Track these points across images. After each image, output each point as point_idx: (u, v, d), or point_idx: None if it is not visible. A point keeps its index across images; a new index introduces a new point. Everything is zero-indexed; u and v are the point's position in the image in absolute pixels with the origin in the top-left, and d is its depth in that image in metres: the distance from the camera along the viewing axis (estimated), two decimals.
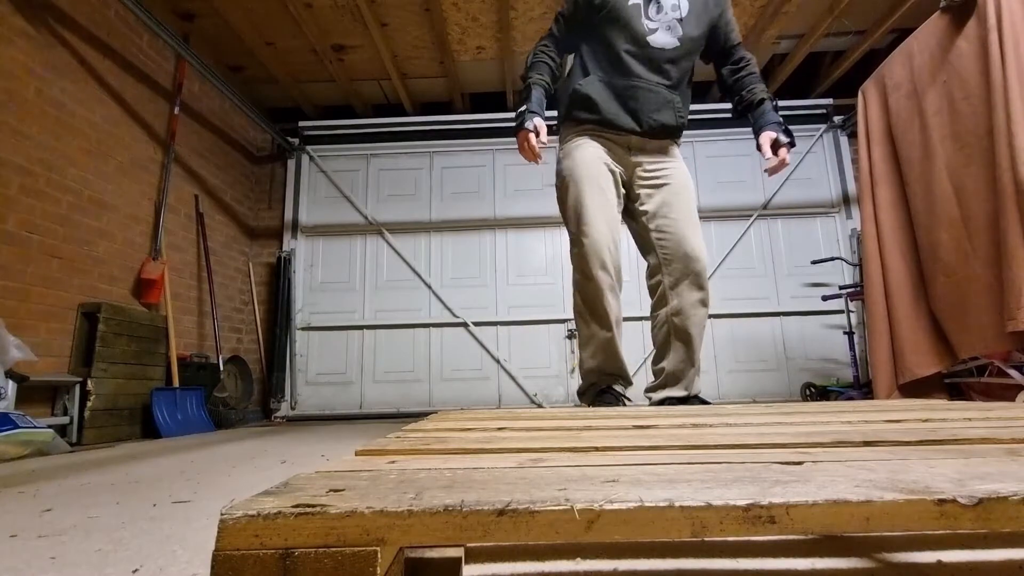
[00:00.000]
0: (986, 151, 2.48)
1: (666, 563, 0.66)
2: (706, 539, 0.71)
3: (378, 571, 0.33)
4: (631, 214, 2.11)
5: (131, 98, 3.65)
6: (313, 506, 0.34)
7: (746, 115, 2.06)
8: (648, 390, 2.08)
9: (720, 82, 2.16)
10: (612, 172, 2.02)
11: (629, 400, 2.06)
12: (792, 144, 1.94)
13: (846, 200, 5.06)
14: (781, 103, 5.62)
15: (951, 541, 0.69)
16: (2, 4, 2.78)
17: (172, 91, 4.08)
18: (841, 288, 4.17)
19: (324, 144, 5.38)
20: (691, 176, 2.10)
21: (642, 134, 2.00)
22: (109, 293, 3.35)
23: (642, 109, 1.96)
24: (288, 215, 5.22)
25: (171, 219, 3.97)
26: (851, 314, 4.22)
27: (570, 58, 2.15)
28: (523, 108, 1.95)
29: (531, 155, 1.92)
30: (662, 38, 1.94)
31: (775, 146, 1.93)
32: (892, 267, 3.08)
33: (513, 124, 1.98)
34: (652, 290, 2.06)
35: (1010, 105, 2.32)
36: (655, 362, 2.05)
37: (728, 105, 5.48)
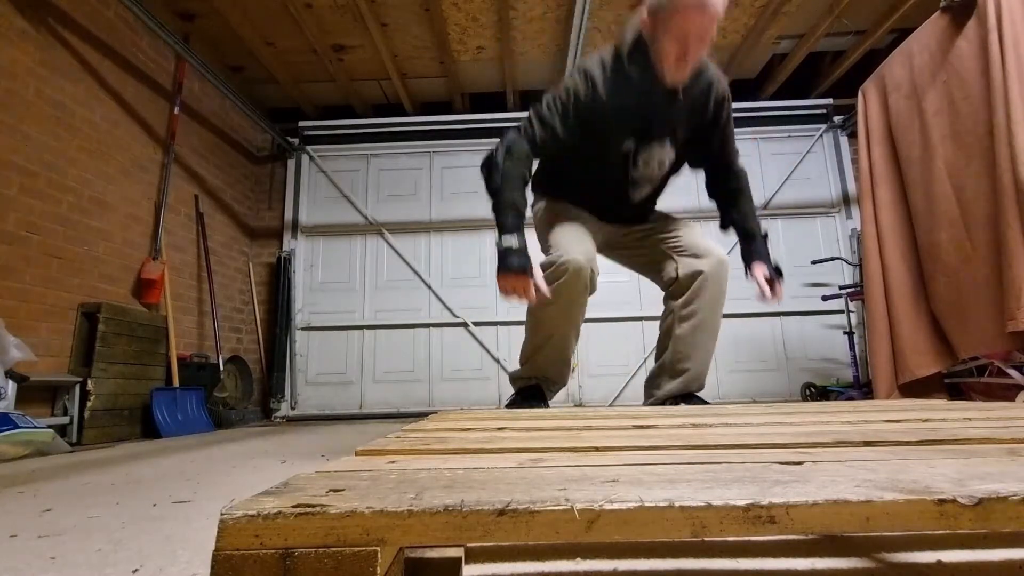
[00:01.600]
0: (986, 151, 2.48)
1: (666, 563, 0.66)
2: (706, 539, 0.71)
3: (378, 571, 0.33)
4: (630, 247, 2.07)
5: (131, 98, 3.65)
6: (313, 506, 0.34)
7: (730, 228, 2.00)
8: (649, 381, 2.04)
9: (711, 187, 2.03)
10: (590, 223, 1.94)
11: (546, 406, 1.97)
12: (781, 277, 1.90)
13: (846, 200, 5.06)
14: (781, 103, 5.62)
15: (951, 541, 0.69)
16: (2, 4, 2.78)
17: (172, 91, 4.07)
18: (841, 288, 4.17)
19: (324, 144, 5.38)
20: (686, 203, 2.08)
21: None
22: (109, 293, 3.35)
23: (616, 218, 1.99)
24: (288, 215, 5.22)
25: (171, 219, 3.97)
26: (851, 314, 4.22)
27: None
28: (516, 244, 1.60)
29: (536, 297, 1.61)
30: (641, 193, 1.91)
31: (769, 282, 1.86)
32: (892, 267, 3.08)
33: (502, 252, 1.61)
34: (667, 285, 2.02)
35: (1010, 105, 2.32)
36: (658, 350, 2.04)
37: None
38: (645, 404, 2.01)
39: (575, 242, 1.79)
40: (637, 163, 1.80)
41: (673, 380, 1.92)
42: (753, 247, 1.92)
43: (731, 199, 1.97)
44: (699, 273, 1.87)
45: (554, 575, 0.64)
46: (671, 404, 1.91)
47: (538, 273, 1.64)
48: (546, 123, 1.71)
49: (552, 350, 1.88)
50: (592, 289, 1.82)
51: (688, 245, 1.93)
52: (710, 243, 1.94)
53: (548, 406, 1.95)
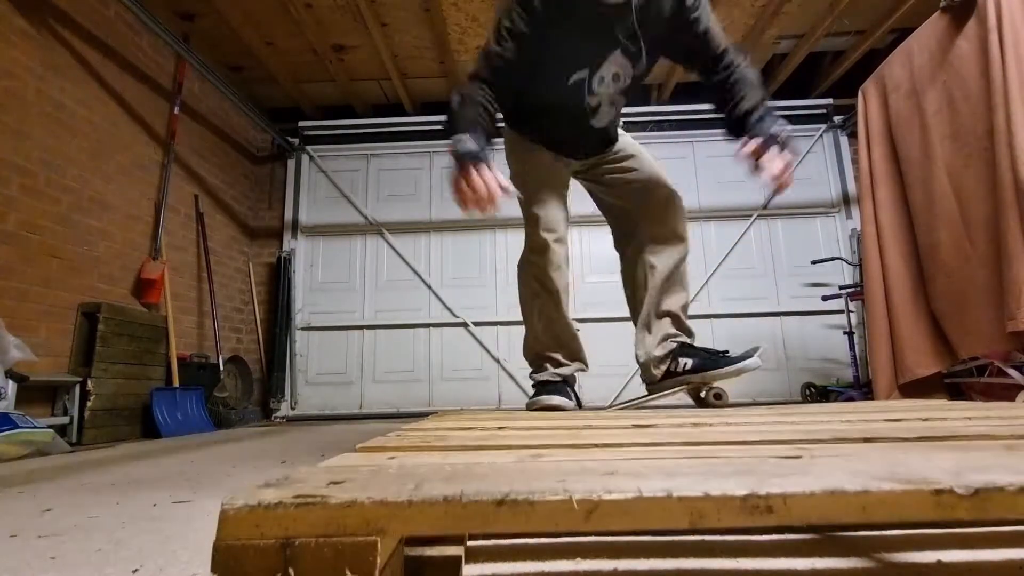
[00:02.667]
0: (986, 151, 2.48)
1: (666, 563, 0.66)
2: (706, 539, 0.72)
3: (378, 560, 0.33)
4: (593, 178, 1.93)
5: (131, 98, 3.65)
6: (313, 496, 0.35)
7: (736, 128, 1.61)
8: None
9: (704, 77, 1.70)
10: (557, 161, 1.83)
11: (580, 387, 1.87)
12: (780, 148, 1.46)
13: (846, 200, 5.06)
14: (781, 103, 5.62)
15: (951, 541, 0.69)
16: (2, 4, 2.78)
17: (172, 91, 4.08)
18: (841, 288, 4.17)
19: (324, 144, 5.38)
20: (662, 162, 1.92)
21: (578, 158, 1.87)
22: (109, 293, 3.35)
23: (581, 150, 1.84)
24: (288, 215, 5.23)
25: (171, 219, 3.97)
26: (851, 314, 4.22)
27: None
28: (464, 140, 1.43)
29: (486, 198, 1.40)
30: (601, 118, 1.74)
31: (760, 151, 1.46)
32: (892, 267, 3.08)
33: (452, 140, 1.47)
34: (622, 239, 1.93)
35: (1010, 105, 2.33)
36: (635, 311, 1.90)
37: None
38: (651, 392, 1.85)
39: (549, 207, 1.76)
40: (592, 87, 1.63)
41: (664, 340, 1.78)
42: (757, 124, 1.50)
43: (730, 88, 1.60)
44: (655, 213, 1.79)
45: (554, 574, 0.64)
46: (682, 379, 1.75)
47: (494, 169, 1.41)
48: (501, 42, 1.53)
49: (552, 327, 1.80)
50: (566, 260, 1.81)
51: (640, 183, 1.81)
52: (659, 174, 1.82)
53: (572, 399, 1.77)
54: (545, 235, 1.76)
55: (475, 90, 1.53)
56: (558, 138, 1.79)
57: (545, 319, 1.80)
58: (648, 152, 1.90)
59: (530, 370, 1.88)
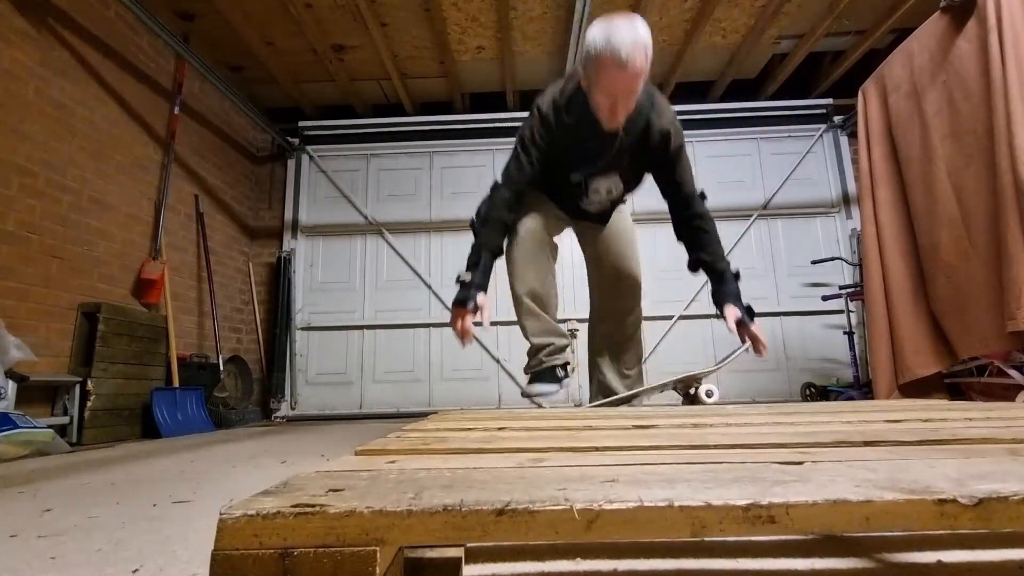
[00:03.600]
0: (986, 151, 2.48)
1: (666, 563, 0.66)
2: (706, 539, 0.71)
3: (377, 571, 0.33)
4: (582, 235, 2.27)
5: (131, 98, 3.65)
6: (312, 506, 0.34)
7: (699, 270, 2.01)
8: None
9: (676, 226, 2.02)
10: (550, 238, 2.12)
11: (573, 367, 2.18)
12: (753, 319, 1.93)
13: (846, 200, 5.06)
14: (781, 103, 5.63)
15: (951, 541, 0.69)
16: (2, 4, 2.78)
17: (172, 91, 4.07)
18: (841, 288, 4.17)
19: (324, 144, 5.37)
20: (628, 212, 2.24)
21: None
22: (109, 293, 3.35)
23: (577, 215, 2.14)
24: (288, 215, 5.22)
25: (171, 219, 3.97)
26: (851, 314, 4.22)
27: None
28: (468, 279, 1.85)
29: (463, 334, 1.84)
30: (597, 208, 2.07)
31: (740, 325, 1.91)
32: (892, 267, 3.08)
33: (460, 285, 1.87)
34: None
35: (1010, 105, 2.32)
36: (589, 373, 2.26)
37: (728, 105, 5.46)
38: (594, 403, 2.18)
39: (532, 216, 2.02)
40: (588, 192, 1.97)
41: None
42: (723, 288, 1.94)
43: (695, 239, 1.96)
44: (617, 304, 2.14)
45: (554, 575, 0.64)
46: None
47: (482, 301, 1.82)
48: (526, 156, 1.88)
49: (534, 311, 2.07)
50: (554, 248, 2.08)
51: (610, 262, 2.13)
52: (629, 262, 2.12)
53: (560, 384, 2.07)
54: (521, 225, 2.00)
55: (498, 206, 1.93)
56: (560, 206, 2.11)
57: (531, 326, 2.12)
58: (631, 234, 2.20)
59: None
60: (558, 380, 2.06)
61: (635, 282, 2.14)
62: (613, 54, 1.55)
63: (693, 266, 2.01)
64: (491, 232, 1.91)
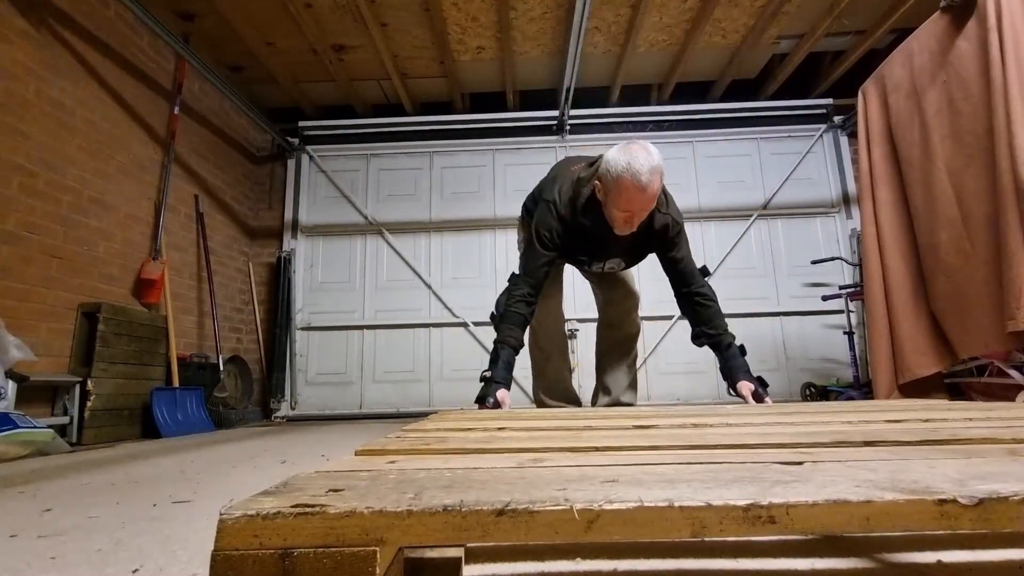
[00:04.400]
0: (986, 151, 2.48)
1: (666, 563, 0.66)
2: (706, 539, 0.71)
3: (377, 571, 0.32)
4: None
5: (131, 98, 3.65)
6: (312, 506, 0.34)
7: (703, 344, 2.09)
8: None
9: (677, 299, 2.14)
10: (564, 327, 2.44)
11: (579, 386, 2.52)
12: (765, 394, 1.94)
13: (846, 200, 5.06)
14: (781, 103, 5.63)
15: (951, 541, 0.69)
16: (2, 4, 2.78)
17: (172, 91, 4.07)
18: (841, 288, 4.17)
19: (324, 144, 5.37)
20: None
21: None
22: (109, 293, 3.35)
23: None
24: (288, 215, 5.22)
25: (171, 219, 3.97)
26: (851, 314, 4.22)
27: None
28: (488, 376, 1.90)
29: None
30: (597, 271, 2.28)
31: (756, 397, 1.93)
32: (892, 267, 3.08)
33: (482, 381, 1.93)
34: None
35: (1010, 105, 2.32)
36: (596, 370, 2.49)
37: (728, 105, 5.46)
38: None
39: (548, 306, 2.26)
40: (593, 268, 2.22)
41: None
42: (732, 364, 1.99)
43: (698, 315, 2.06)
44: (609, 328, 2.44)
45: (554, 575, 0.64)
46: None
47: (502, 398, 1.88)
48: (539, 266, 2.03)
49: (549, 374, 2.36)
50: (565, 334, 2.42)
51: (617, 320, 2.40)
52: (629, 305, 2.39)
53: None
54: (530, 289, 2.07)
55: (517, 300, 2.01)
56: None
57: (547, 378, 2.38)
58: (632, 275, 2.43)
59: (531, 375, 2.43)
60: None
61: (634, 302, 2.44)
62: (634, 177, 1.70)
63: (697, 339, 2.09)
64: (511, 328, 1.96)
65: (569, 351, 2.40)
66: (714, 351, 2.05)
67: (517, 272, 2.10)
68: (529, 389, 4.75)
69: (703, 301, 2.04)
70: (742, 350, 2.02)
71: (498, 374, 1.88)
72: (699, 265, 2.14)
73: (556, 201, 1.98)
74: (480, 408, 1.85)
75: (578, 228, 1.97)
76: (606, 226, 1.91)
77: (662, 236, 2.01)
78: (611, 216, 1.86)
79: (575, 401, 2.38)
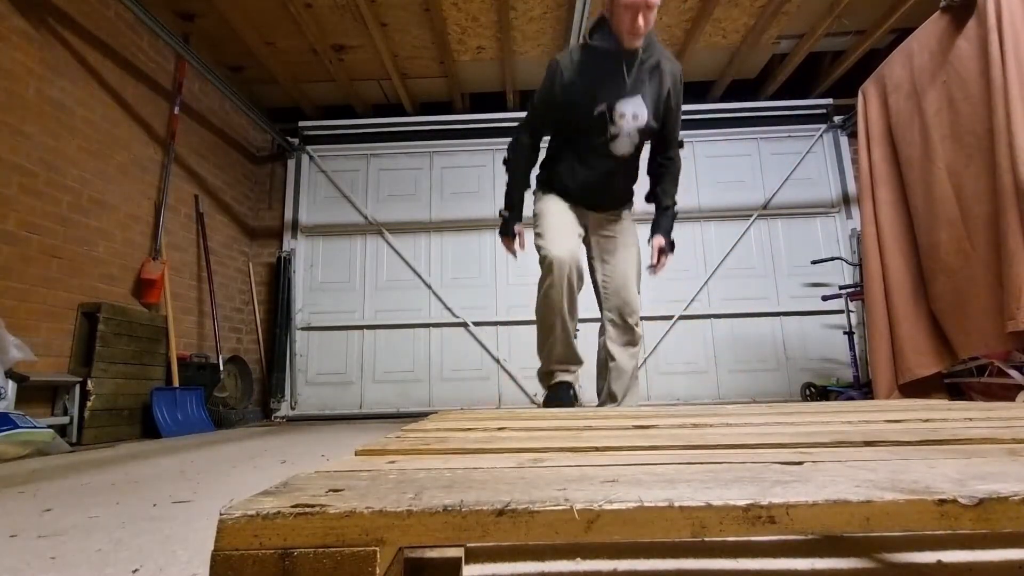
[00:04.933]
0: (986, 151, 2.48)
1: (666, 563, 0.66)
2: (706, 539, 0.71)
3: (377, 571, 0.32)
4: (587, 252, 2.41)
5: (131, 98, 3.65)
6: (312, 506, 0.34)
7: (648, 198, 2.38)
8: (597, 406, 2.33)
9: (649, 163, 2.40)
10: (578, 215, 2.33)
11: (580, 386, 2.37)
12: (672, 251, 2.31)
13: (846, 200, 5.06)
14: (781, 103, 5.63)
15: (951, 541, 0.69)
16: (2, 4, 2.78)
17: (172, 91, 4.07)
18: (841, 288, 4.17)
19: (324, 144, 5.37)
20: (636, 232, 2.40)
21: (596, 210, 2.36)
22: (109, 293, 3.35)
23: (597, 200, 2.32)
24: (288, 215, 5.22)
25: (171, 219, 3.97)
26: (851, 314, 4.22)
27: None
28: (506, 215, 2.31)
29: (511, 252, 2.38)
30: (622, 146, 2.19)
31: (660, 251, 2.29)
32: (892, 267, 3.08)
33: (502, 218, 2.33)
34: (600, 310, 2.39)
35: (1010, 105, 2.32)
36: (597, 380, 2.36)
37: (727, 105, 5.47)
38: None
39: (558, 237, 2.19)
40: (613, 118, 2.12)
41: (606, 403, 2.31)
42: (660, 219, 2.32)
43: (659, 175, 2.35)
44: (612, 324, 2.28)
45: (554, 575, 0.64)
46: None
47: (520, 234, 2.31)
48: (537, 109, 2.25)
49: (556, 337, 2.22)
50: (580, 279, 2.20)
51: (614, 288, 2.29)
52: (629, 295, 2.26)
53: (576, 402, 2.28)
54: (552, 257, 2.14)
55: (521, 152, 2.30)
56: (582, 182, 2.26)
57: (554, 343, 2.24)
58: (636, 255, 2.36)
59: (536, 369, 2.38)
60: (573, 395, 2.30)
61: (636, 272, 2.37)
62: None
63: (648, 197, 2.38)
64: (517, 177, 2.32)
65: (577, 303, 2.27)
66: (655, 208, 2.35)
67: (520, 126, 2.31)
68: (528, 389, 4.74)
69: (669, 167, 2.33)
70: (674, 216, 2.34)
71: (515, 214, 2.31)
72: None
73: (558, 58, 2.16)
74: (504, 240, 2.33)
75: (588, 55, 2.08)
76: (617, 49, 2.02)
77: (673, 83, 2.17)
78: (620, 23, 1.95)
79: (579, 361, 2.34)
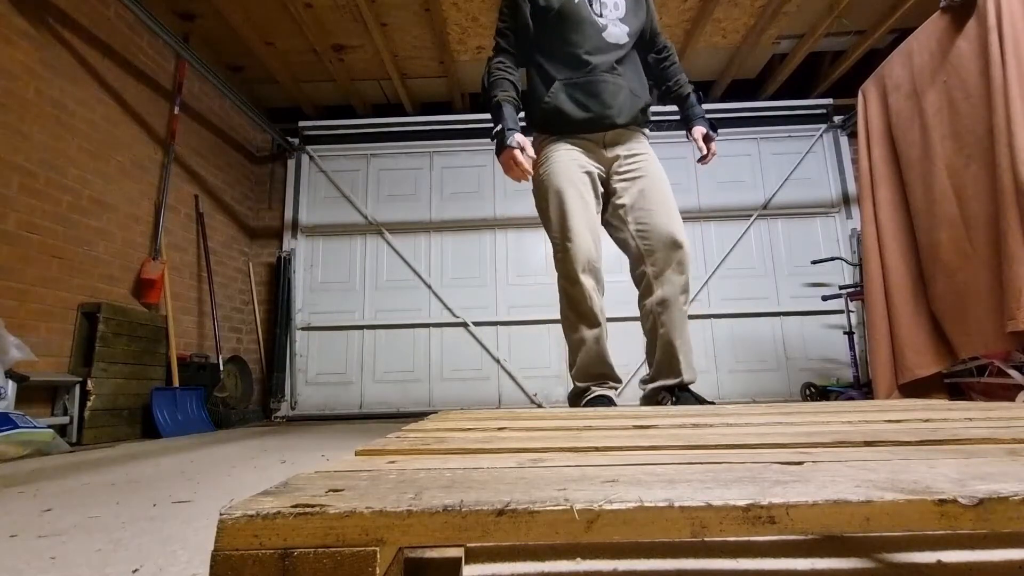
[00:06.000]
0: (986, 151, 2.48)
1: (666, 563, 0.66)
2: (706, 539, 0.71)
3: (377, 571, 0.33)
4: (610, 208, 2.09)
5: (131, 98, 3.65)
6: (312, 506, 0.34)
7: (670, 102, 2.27)
8: (643, 381, 2.08)
9: (645, 68, 2.21)
10: (589, 173, 2.01)
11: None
12: (715, 135, 2.17)
13: (846, 200, 5.06)
14: (781, 103, 5.63)
15: (951, 541, 0.69)
16: (2, 4, 2.78)
17: (172, 91, 4.08)
18: (841, 288, 4.17)
19: (324, 144, 5.38)
20: (663, 167, 2.11)
21: (613, 127, 2.01)
22: (109, 293, 3.35)
23: (608, 103, 1.98)
24: (288, 215, 5.22)
25: (171, 219, 3.97)
26: (851, 314, 4.22)
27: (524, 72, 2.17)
28: (499, 127, 1.92)
29: (520, 173, 1.91)
30: (614, 31, 2.01)
31: (706, 139, 2.13)
32: (892, 267, 3.08)
33: (495, 136, 1.94)
34: (637, 281, 2.06)
35: (1010, 105, 2.32)
36: (647, 352, 2.06)
37: (727, 105, 5.47)
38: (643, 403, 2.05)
39: (576, 225, 1.91)
40: (594, 6, 2.01)
41: (659, 376, 1.99)
42: (688, 110, 2.20)
43: (664, 71, 2.23)
44: (666, 269, 1.95)
45: (554, 575, 0.64)
46: (668, 398, 1.96)
47: (521, 139, 1.90)
48: (506, 16, 2.08)
49: (589, 350, 1.96)
50: (599, 281, 1.98)
51: (658, 229, 1.95)
52: (674, 226, 1.95)
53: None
54: (574, 253, 1.91)
55: (499, 67, 2.02)
56: (585, 89, 1.97)
57: (582, 353, 1.98)
58: (669, 189, 2.05)
59: (567, 391, 2.16)
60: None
61: (678, 221, 2.00)
62: None
63: (665, 96, 2.27)
64: (504, 90, 1.98)
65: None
66: (677, 102, 2.24)
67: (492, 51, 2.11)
68: (528, 389, 4.74)
69: (669, 57, 2.23)
70: (699, 98, 2.21)
71: (509, 123, 1.91)
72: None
73: None
74: (505, 155, 1.89)
75: None
76: None
77: None
78: None
79: (618, 378, 2.05)
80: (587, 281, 1.92)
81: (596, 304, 1.96)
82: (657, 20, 2.24)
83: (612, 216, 2.08)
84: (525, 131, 1.99)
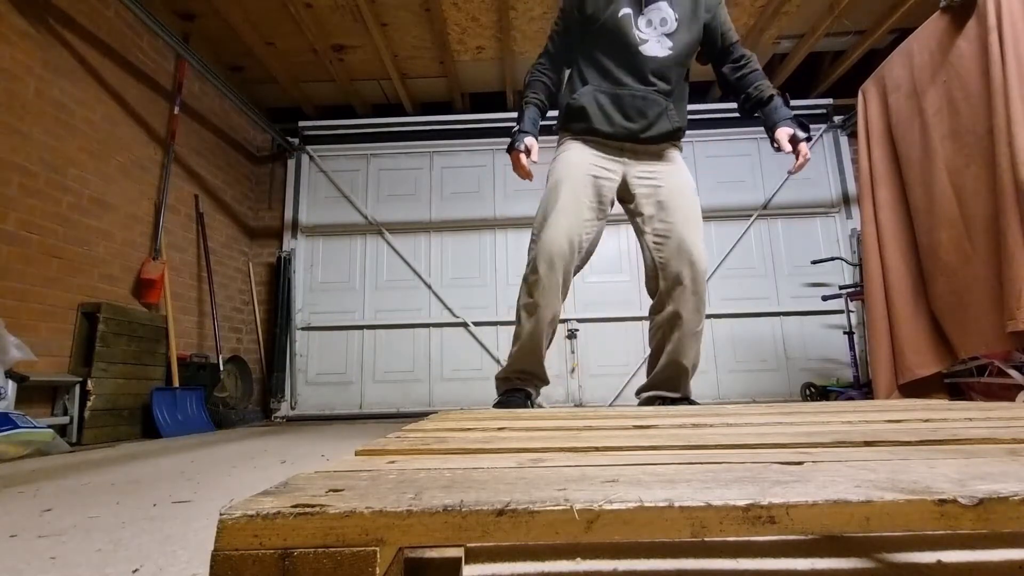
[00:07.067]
0: (986, 151, 2.48)
1: (666, 563, 0.66)
2: (706, 539, 0.71)
3: (377, 571, 0.33)
4: (634, 217, 2.08)
5: (131, 98, 3.65)
6: (312, 506, 0.34)
7: (754, 113, 2.10)
8: (639, 390, 2.07)
9: (721, 81, 2.16)
10: (597, 177, 1.99)
11: (540, 406, 2.08)
12: (809, 138, 1.98)
13: (846, 200, 5.06)
14: None
15: (951, 541, 0.69)
16: (2, 4, 2.78)
17: (172, 91, 4.07)
18: (841, 288, 4.17)
19: (324, 144, 5.38)
20: (692, 179, 2.07)
21: (635, 140, 1.99)
22: (109, 293, 3.35)
23: (634, 116, 1.96)
24: (288, 215, 5.22)
25: (171, 219, 3.97)
26: (851, 314, 4.22)
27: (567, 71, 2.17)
28: (516, 128, 2.01)
29: (524, 173, 2.01)
30: (653, 48, 1.94)
31: (793, 141, 1.98)
32: (892, 267, 3.08)
33: (511, 136, 2.02)
34: (650, 293, 2.07)
35: (1010, 105, 2.32)
36: (650, 363, 2.05)
37: (728, 105, 5.47)
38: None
39: (560, 218, 1.90)
40: (639, 23, 1.94)
41: (656, 387, 2.00)
42: (772, 113, 2.03)
43: (743, 79, 2.08)
44: (678, 285, 1.93)
45: (554, 575, 0.64)
46: (661, 403, 1.96)
47: (530, 143, 1.98)
48: (557, 26, 2.08)
49: (525, 345, 1.97)
50: (578, 261, 1.95)
51: (674, 243, 1.93)
52: (690, 243, 1.93)
53: (531, 407, 2.01)
54: (543, 244, 1.90)
55: (539, 71, 2.09)
56: (613, 102, 1.96)
57: (519, 345, 1.99)
58: (696, 205, 2.02)
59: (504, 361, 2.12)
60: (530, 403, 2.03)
61: (703, 268, 1.98)
62: None
63: (745, 105, 2.13)
64: (535, 92, 2.06)
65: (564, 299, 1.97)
66: (757, 110, 2.10)
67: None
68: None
69: (746, 63, 2.08)
70: (785, 100, 2.03)
71: (525, 126, 1.99)
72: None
73: None
74: (513, 156, 1.97)
75: None
76: None
77: None
78: None
79: (545, 379, 2.07)
80: (546, 275, 1.89)
81: (548, 300, 1.91)
82: (732, 30, 2.09)
83: (634, 225, 2.09)
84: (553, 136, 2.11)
